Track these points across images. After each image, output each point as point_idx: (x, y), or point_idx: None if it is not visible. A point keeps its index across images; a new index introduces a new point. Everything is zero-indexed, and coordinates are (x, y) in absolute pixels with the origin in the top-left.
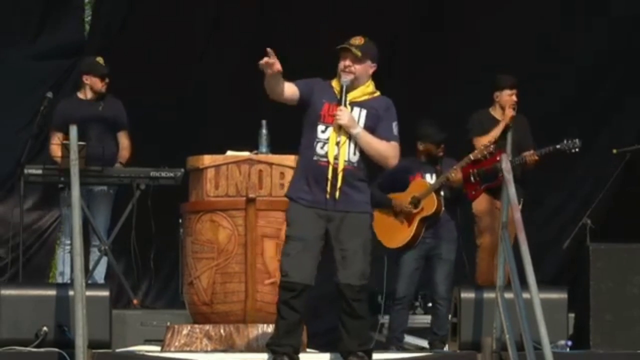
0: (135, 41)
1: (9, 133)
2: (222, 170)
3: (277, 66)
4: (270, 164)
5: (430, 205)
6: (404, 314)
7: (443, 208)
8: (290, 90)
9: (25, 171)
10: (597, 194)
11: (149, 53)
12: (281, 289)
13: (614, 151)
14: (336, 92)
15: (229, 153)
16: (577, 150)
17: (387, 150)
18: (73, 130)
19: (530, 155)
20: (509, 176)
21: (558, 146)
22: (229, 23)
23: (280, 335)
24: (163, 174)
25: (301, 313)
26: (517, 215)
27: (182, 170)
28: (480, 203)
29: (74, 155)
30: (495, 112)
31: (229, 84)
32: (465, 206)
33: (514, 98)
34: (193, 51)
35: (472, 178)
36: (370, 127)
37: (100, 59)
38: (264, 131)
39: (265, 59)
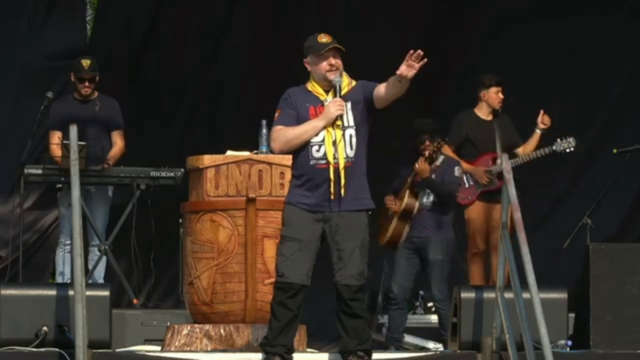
0: (136, 42)
1: (10, 133)
2: (222, 170)
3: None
4: (270, 164)
5: (401, 203)
6: (400, 314)
7: (417, 205)
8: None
9: (25, 171)
10: (597, 193)
11: (149, 53)
12: (277, 290)
13: (614, 151)
14: (316, 94)
15: (229, 153)
16: (572, 149)
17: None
18: (73, 130)
19: (523, 152)
20: (508, 176)
21: (554, 147)
22: (231, 24)
23: (273, 335)
24: (163, 174)
25: (296, 313)
26: (517, 215)
27: (182, 170)
28: (473, 209)
29: (74, 155)
30: (481, 112)
31: (229, 84)
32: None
33: (501, 95)
34: (194, 52)
35: (466, 183)
36: (359, 116)
37: (85, 61)
38: (264, 131)
39: None
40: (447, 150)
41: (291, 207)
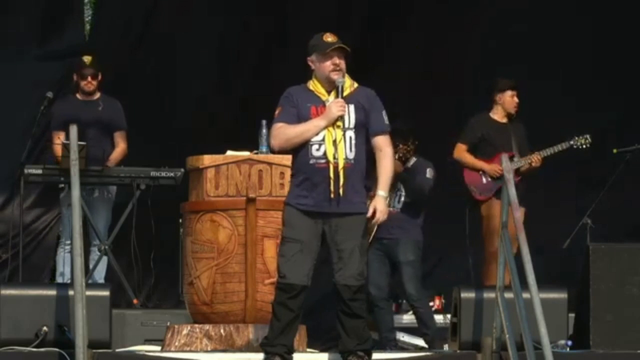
0: (136, 41)
1: (12, 133)
2: (222, 170)
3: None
4: (270, 164)
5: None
6: (383, 313)
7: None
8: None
9: (25, 171)
10: (597, 193)
11: (149, 52)
12: (278, 290)
13: (614, 151)
14: (317, 94)
15: (229, 153)
16: (588, 146)
17: (392, 158)
18: (73, 130)
19: (535, 156)
20: (508, 176)
21: (571, 142)
22: (231, 24)
23: (274, 335)
24: (163, 174)
25: (297, 313)
26: (517, 215)
27: (182, 170)
28: (491, 206)
29: (74, 155)
30: (496, 115)
31: (229, 83)
32: (474, 211)
33: (516, 99)
34: (194, 51)
35: (483, 179)
36: (360, 121)
37: (87, 58)
38: (264, 131)
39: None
40: (460, 149)
41: (290, 208)
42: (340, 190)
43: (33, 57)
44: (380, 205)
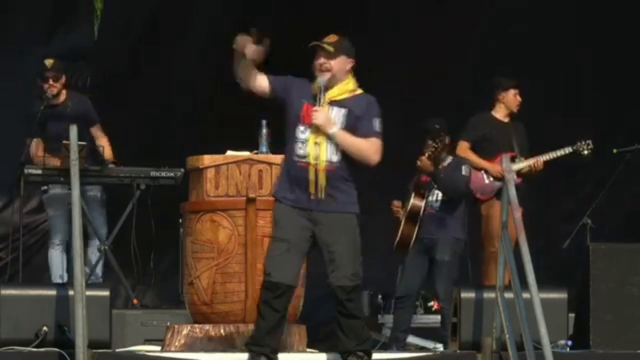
0: (137, 41)
1: (12, 134)
2: (222, 170)
3: (250, 50)
4: (270, 164)
5: (407, 205)
6: (402, 313)
7: (423, 205)
8: (260, 81)
9: (25, 171)
10: (597, 193)
11: (150, 53)
12: (263, 289)
13: (614, 151)
14: (314, 91)
15: (229, 153)
16: (590, 151)
17: (366, 147)
18: (73, 130)
19: (537, 160)
20: (509, 176)
21: (573, 147)
22: (230, 23)
23: (259, 335)
24: (163, 174)
25: (282, 313)
26: (517, 215)
27: (182, 170)
28: (490, 206)
29: (74, 155)
30: (498, 114)
31: (229, 83)
32: (474, 210)
33: (519, 98)
34: (195, 51)
35: (486, 179)
36: (350, 127)
37: (49, 61)
38: (264, 131)
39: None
40: (464, 147)
41: (278, 204)
42: (320, 193)
43: (37, 59)
44: (322, 114)
